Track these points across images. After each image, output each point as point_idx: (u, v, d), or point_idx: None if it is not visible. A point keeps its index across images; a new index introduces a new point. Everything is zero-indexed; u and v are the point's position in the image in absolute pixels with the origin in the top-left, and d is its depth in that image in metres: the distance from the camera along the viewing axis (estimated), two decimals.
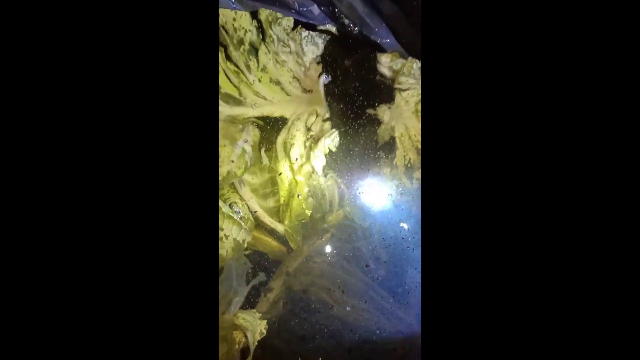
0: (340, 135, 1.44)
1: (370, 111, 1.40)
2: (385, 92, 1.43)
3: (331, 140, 1.33)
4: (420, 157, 1.56)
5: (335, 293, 1.56)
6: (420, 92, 1.43)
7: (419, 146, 1.56)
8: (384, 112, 1.39)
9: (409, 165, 1.57)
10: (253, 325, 1.16)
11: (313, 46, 1.34)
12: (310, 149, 1.41)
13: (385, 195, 1.54)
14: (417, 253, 1.52)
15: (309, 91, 1.37)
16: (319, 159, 1.34)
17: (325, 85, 1.33)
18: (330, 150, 1.35)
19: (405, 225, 1.54)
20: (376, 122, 1.44)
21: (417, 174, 1.57)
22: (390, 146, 1.54)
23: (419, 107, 1.49)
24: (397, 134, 1.53)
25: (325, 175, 1.56)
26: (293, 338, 1.38)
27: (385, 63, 1.38)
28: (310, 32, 1.33)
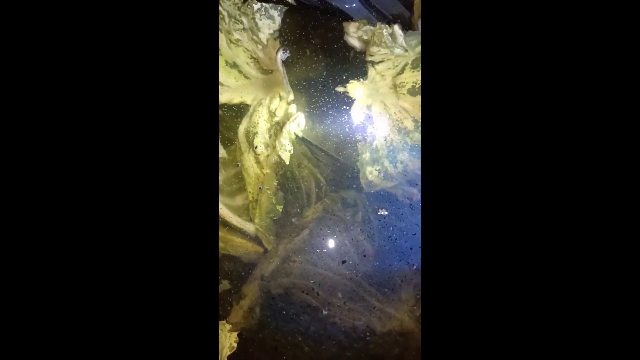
0: (310, 118, 1.28)
1: (339, 89, 1.23)
2: (356, 66, 1.26)
3: (296, 125, 1.17)
4: (402, 136, 1.40)
5: (319, 294, 1.42)
6: (396, 63, 1.26)
7: (401, 124, 1.40)
8: (355, 89, 1.22)
9: (390, 147, 1.42)
10: (221, 340, 1.03)
11: (268, 20, 1.17)
12: (276, 137, 1.25)
13: (366, 181, 1.39)
14: (402, 243, 1.38)
15: (269, 72, 1.21)
16: (285, 148, 1.19)
17: (285, 62, 1.17)
18: (297, 136, 1.19)
19: (384, 212, 1.39)
20: (348, 101, 1.27)
21: (401, 156, 1.42)
22: (367, 127, 1.38)
23: (397, 81, 1.33)
24: (374, 113, 1.37)
25: (299, 165, 1.41)
26: (269, 349, 1.25)
27: (353, 33, 1.21)
28: (264, 4, 1.16)
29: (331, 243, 1.43)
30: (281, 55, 1.13)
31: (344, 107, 1.28)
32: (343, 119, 1.34)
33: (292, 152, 1.21)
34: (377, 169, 1.41)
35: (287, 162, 1.23)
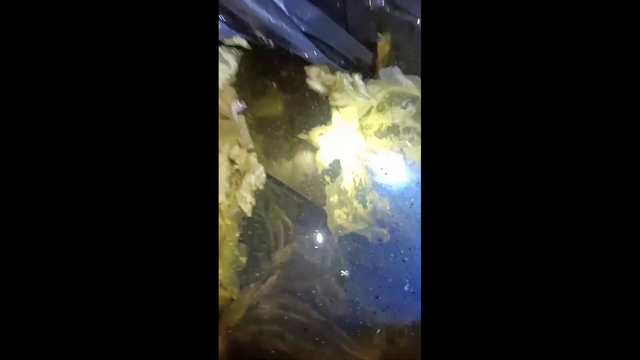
0: (275, 164, 1.22)
1: (303, 136, 1.18)
2: (319, 111, 1.21)
3: (256, 177, 1.12)
4: (371, 176, 1.36)
5: (290, 339, 1.38)
6: (361, 107, 1.21)
7: (369, 164, 1.36)
8: (318, 136, 1.17)
9: (359, 187, 1.38)
10: None
11: (223, 64, 1.10)
12: (237, 186, 1.19)
13: (335, 226, 1.34)
14: (373, 285, 1.32)
15: (226, 118, 1.14)
16: (245, 200, 1.13)
17: (241, 113, 1.11)
18: (258, 188, 1.14)
19: (345, 273, 1.33)
20: (312, 147, 1.22)
21: (371, 196, 1.38)
22: (335, 169, 1.34)
23: (364, 123, 1.28)
24: (341, 154, 1.32)
25: (267, 208, 1.36)
26: None
27: (315, 77, 1.16)
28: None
29: (300, 287, 1.38)
30: (236, 107, 1.08)
31: (308, 152, 1.23)
32: (308, 162, 1.29)
33: (253, 204, 1.15)
34: (346, 211, 1.37)
35: (249, 215, 1.17)
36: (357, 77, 1.05)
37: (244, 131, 1.11)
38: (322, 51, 1.06)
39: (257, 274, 1.37)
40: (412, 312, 1.34)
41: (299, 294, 1.37)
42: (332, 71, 1.09)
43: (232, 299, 1.33)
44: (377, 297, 1.36)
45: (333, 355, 1.37)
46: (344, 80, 1.06)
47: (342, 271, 1.30)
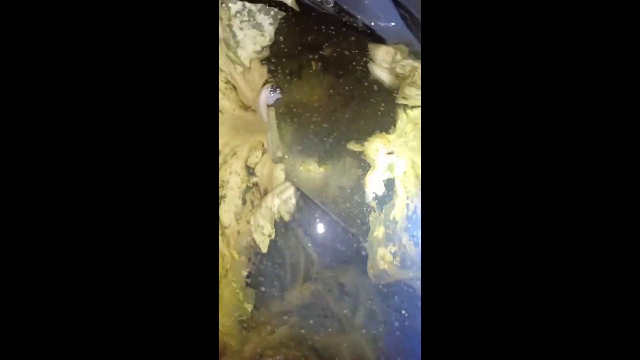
0: (307, 178, 0.88)
1: (353, 147, 0.83)
2: (382, 111, 0.86)
3: (282, 201, 0.77)
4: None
5: None
6: None
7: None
8: (377, 149, 0.82)
9: (413, 217, 1.05)
10: None
11: (254, 30, 0.76)
12: (252, 206, 0.84)
13: (376, 271, 1.00)
14: (413, 348, 1.02)
15: (250, 109, 0.80)
16: (262, 230, 0.79)
17: (272, 105, 0.75)
18: (282, 218, 0.79)
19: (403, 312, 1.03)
20: (364, 163, 0.87)
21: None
22: (386, 189, 0.99)
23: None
24: (397, 174, 0.98)
25: (286, 230, 1.02)
26: None
27: (383, 62, 0.81)
28: (248, 5, 0.75)
29: (319, 342, 1.06)
30: (267, 96, 0.72)
31: (358, 170, 0.88)
32: (354, 180, 0.95)
33: (272, 237, 0.81)
34: (393, 250, 1.03)
35: (264, 251, 0.83)
36: None
37: (273, 131, 0.76)
38: (407, 23, 0.70)
39: (263, 319, 1.05)
40: None
41: (317, 351, 1.05)
42: (416, 55, 0.74)
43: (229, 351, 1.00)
44: None
45: None
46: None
47: None
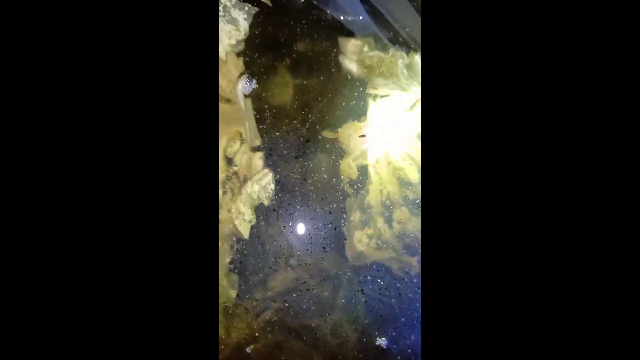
0: (285, 166, 0.91)
1: (328, 134, 0.87)
2: (352, 100, 0.90)
3: (261, 187, 0.80)
4: (402, 189, 1.08)
5: None
6: (406, 99, 0.91)
7: (402, 174, 1.07)
8: (349, 136, 0.87)
9: (387, 202, 1.09)
10: None
11: (230, 25, 0.78)
12: (232, 194, 0.87)
13: (354, 253, 1.05)
14: (396, 327, 1.07)
15: (227, 101, 0.82)
16: (243, 216, 0.82)
17: (249, 96, 0.78)
18: (261, 203, 0.83)
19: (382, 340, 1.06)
20: (338, 149, 0.91)
21: (399, 214, 1.09)
22: (360, 177, 1.04)
23: (406, 121, 0.98)
24: (371, 161, 1.03)
25: (267, 216, 1.06)
26: None
27: (352, 54, 0.85)
28: (224, 1, 0.77)
29: (302, 325, 1.09)
30: (243, 86, 0.75)
31: (332, 157, 0.92)
32: (331, 167, 0.99)
33: (253, 222, 0.84)
34: (369, 233, 1.07)
35: (246, 237, 0.86)
36: (417, 58, 0.74)
37: (250, 121, 0.79)
38: (374, 18, 0.75)
39: (247, 304, 1.08)
40: None
41: (299, 333, 1.08)
42: (382, 47, 0.78)
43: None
44: (398, 343, 1.09)
45: None
46: (399, 60, 0.75)
47: (378, 340, 1.00)
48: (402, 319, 1.10)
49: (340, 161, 0.92)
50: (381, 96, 0.93)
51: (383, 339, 1.11)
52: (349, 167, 0.92)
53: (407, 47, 0.80)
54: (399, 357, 1.03)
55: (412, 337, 1.10)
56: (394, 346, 1.04)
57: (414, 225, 1.13)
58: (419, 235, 1.15)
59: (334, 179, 0.96)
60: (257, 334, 1.09)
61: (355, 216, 1.07)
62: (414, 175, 1.08)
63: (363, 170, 1.06)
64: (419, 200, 1.11)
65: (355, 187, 1.04)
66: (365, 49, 0.82)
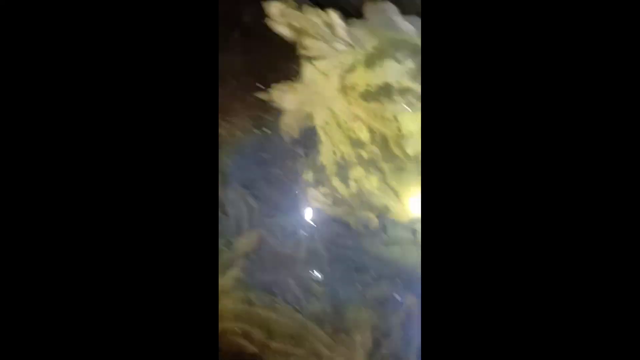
0: (235, 133, 0.95)
1: (261, 95, 0.89)
2: (285, 61, 0.92)
3: None
4: (356, 149, 1.11)
5: (256, 338, 1.20)
6: (343, 60, 0.92)
7: (353, 135, 1.10)
8: (284, 94, 0.89)
9: (341, 162, 1.13)
10: None
11: None
12: None
13: (311, 207, 1.11)
14: (358, 278, 1.13)
15: None
16: None
17: None
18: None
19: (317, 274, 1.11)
20: (275, 109, 0.94)
21: (354, 173, 1.13)
22: (310, 140, 1.07)
23: (347, 82, 0.99)
24: (318, 122, 1.05)
25: (226, 185, 1.11)
26: None
27: (278, 17, 0.85)
28: None
29: (269, 280, 1.17)
30: None
31: (271, 118, 0.95)
32: (276, 130, 1.02)
33: None
34: (325, 191, 1.11)
35: None
36: (334, 16, 0.74)
37: None
38: None
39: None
40: (403, 312, 1.15)
41: (267, 288, 1.17)
42: (299, 7, 0.78)
43: None
44: (361, 293, 1.16)
45: (307, 355, 1.20)
46: (317, 19, 0.75)
47: (313, 271, 1.07)
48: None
49: (278, 120, 0.95)
50: (315, 58, 0.94)
51: None
52: (290, 124, 0.95)
53: (328, 5, 0.79)
54: None
55: None
56: None
57: (371, 183, 1.15)
58: (375, 191, 1.19)
59: (277, 139, 0.99)
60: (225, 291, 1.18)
61: (308, 176, 1.11)
62: (365, 134, 1.09)
63: (310, 131, 1.08)
64: (373, 158, 1.13)
65: (305, 148, 1.07)
66: (288, 10, 0.82)
